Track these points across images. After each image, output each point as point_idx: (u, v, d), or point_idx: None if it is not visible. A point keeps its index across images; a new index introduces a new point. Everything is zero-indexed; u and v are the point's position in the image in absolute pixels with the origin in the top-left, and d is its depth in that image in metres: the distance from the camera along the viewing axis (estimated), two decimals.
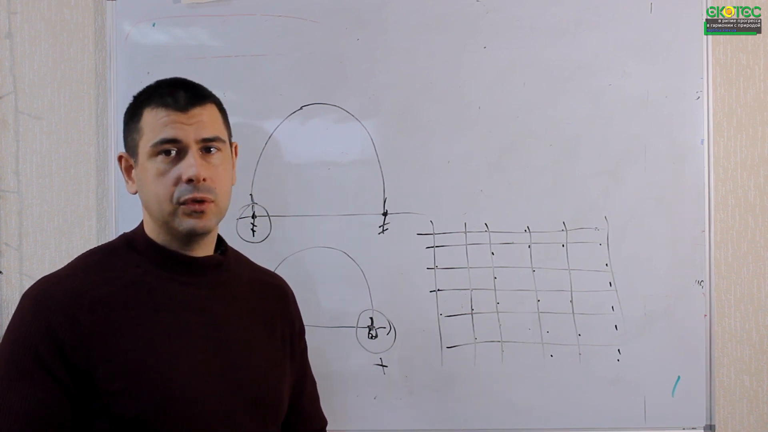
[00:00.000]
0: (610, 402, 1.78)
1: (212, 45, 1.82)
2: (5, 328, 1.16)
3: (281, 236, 1.80)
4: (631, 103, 1.80)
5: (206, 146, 1.20)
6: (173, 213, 1.18)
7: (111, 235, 1.81)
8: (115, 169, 1.83)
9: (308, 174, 1.81)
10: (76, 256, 1.26)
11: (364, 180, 1.80)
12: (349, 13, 1.80)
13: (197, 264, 1.23)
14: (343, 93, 1.80)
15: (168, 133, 1.17)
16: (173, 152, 1.18)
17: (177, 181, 1.17)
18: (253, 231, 1.80)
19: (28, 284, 1.32)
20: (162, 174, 1.18)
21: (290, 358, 1.35)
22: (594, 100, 1.80)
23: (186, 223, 1.18)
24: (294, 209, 1.80)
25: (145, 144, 1.20)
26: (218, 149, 1.21)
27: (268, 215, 1.80)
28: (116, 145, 1.78)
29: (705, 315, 1.79)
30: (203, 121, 1.20)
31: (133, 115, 1.23)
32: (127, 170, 1.25)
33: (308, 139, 1.80)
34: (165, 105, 1.19)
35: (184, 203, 1.17)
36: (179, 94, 1.19)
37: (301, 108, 1.80)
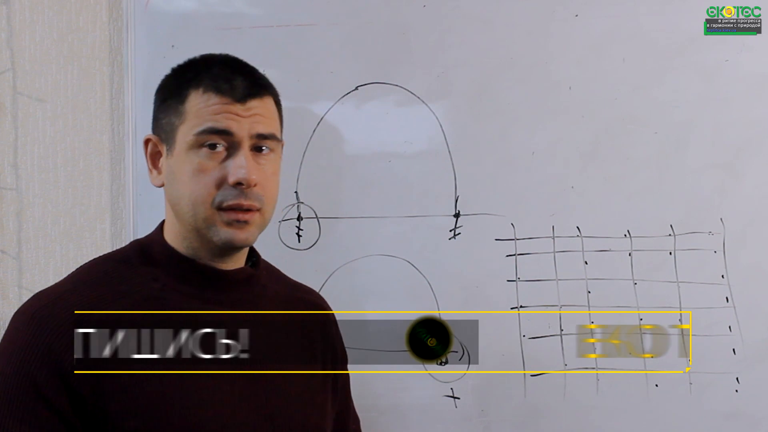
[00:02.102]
0: None
1: (250, 12, 1.75)
2: None
3: (332, 242, 1.73)
4: (752, 83, 1.69)
5: (259, 144, 1.15)
6: (210, 219, 1.12)
7: (127, 241, 1.69)
8: (133, 162, 1.74)
9: (364, 167, 1.74)
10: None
11: (432, 175, 1.72)
12: None
13: (227, 279, 1.17)
14: (406, 70, 1.72)
15: (219, 123, 1.11)
16: (220, 147, 1.12)
17: (221, 183, 1.11)
18: (299, 236, 1.72)
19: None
20: (203, 171, 1.11)
21: (332, 391, 1.30)
22: (707, 78, 1.69)
23: (224, 234, 1.12)
24: (347, 210, 1.73)
25: (187, 131, 1.13)
26: (271, 149, 1.17)
27: (316, 217, 1.73)
28: (134, 132, 1.74)
29: None
30: (260, 114, 1.15)
31: (174, 93, 1.16)
32: (154, 157, 1.19)
33: (364, 125, 1.74)
34: (218, 91, 1.12)
35: (225, 209, 1.11)
36: (236, 80, 1.14)
37: (356, 88, 1.73)
